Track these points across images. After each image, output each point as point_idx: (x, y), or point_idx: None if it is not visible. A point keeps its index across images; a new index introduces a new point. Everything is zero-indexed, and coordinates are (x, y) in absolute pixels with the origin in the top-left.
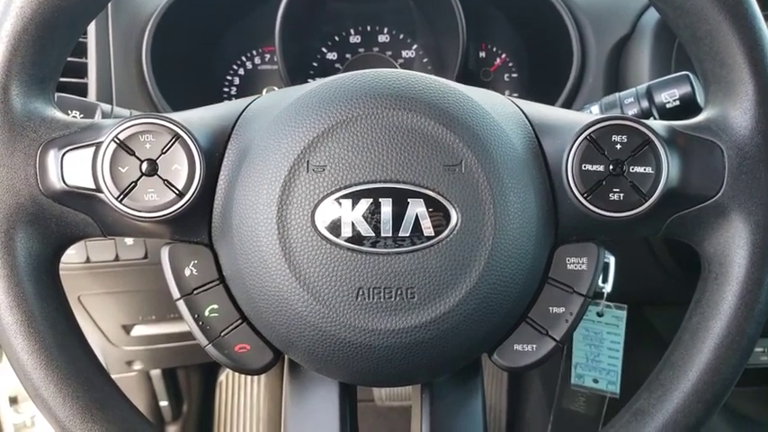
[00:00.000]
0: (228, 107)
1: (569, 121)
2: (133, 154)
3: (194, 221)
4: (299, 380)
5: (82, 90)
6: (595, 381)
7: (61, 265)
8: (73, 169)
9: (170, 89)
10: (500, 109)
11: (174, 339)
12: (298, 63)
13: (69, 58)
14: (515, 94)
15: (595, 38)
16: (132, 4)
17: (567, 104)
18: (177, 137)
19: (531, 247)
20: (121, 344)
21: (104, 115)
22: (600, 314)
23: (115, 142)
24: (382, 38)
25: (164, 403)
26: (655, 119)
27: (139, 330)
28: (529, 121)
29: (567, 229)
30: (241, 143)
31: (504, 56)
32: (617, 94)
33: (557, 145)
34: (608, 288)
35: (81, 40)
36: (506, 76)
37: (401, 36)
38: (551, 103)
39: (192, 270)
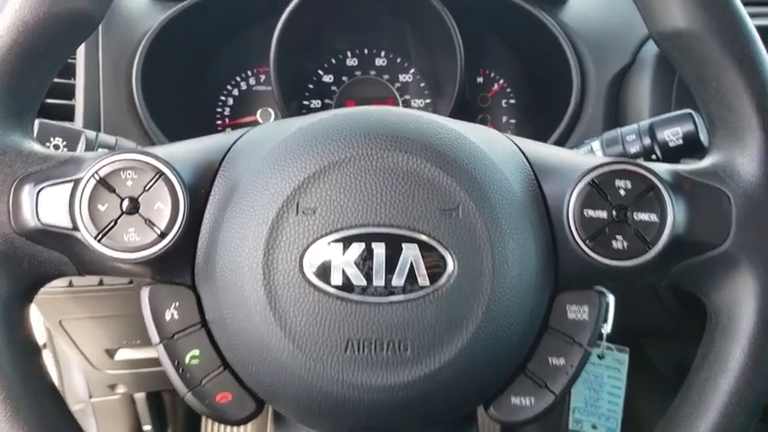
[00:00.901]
0: (216, 141)
1: (571, 163)
2: (114, 191)
3: (177, 262)
4: (284, 428)
5: (69, 112)
6: (594, 427)
7: (43, 289)
8: (49, 207)
9: (161, 112)
10: (499, 149)
11: (160, 363)
12: (293, 85)
13: (56, 80)
14: (513, 121)
15: (595, 67)
16: (123, 25)
17: (566, 134)
18: (161, 174)
19: (530, 295)
20: (104, 367)
21: (88, 143)
22: (600, 356)
23: (95, 179)
24: (379, 61)
25: (147, 427)
26: (657, 157)
27: (123, 354)
28: (529, 161)
29: (568, 276)
30: (228, 181)
31: (501, 81)
32: (618, 130)
33: (557, 188)
34: (608, 329)
35: (69, 60)
36: (504, 102)
37: (398, 60)
38: (550, 132)
39: (173, 313)
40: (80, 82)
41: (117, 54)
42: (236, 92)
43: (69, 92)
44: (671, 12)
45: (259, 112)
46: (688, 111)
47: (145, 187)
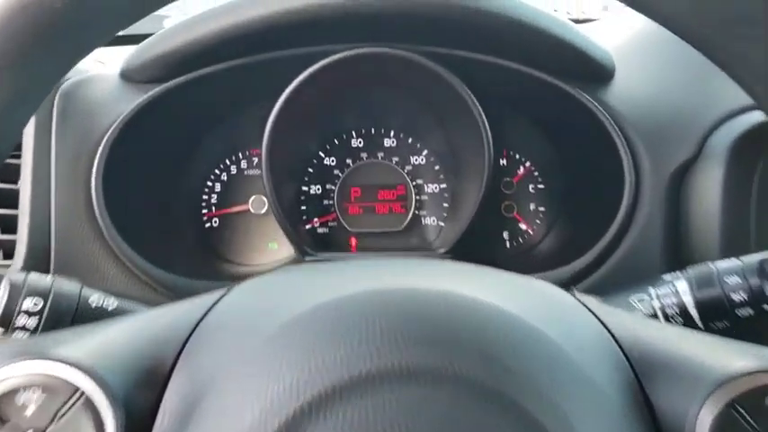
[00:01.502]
0: (173, 321)
1: (689, 359)
2: (6, 422)
3: None
4: None
5: (10, 224)
6: None
7: None
8: None
9: (128, 215)
10: (583, 339)
11: None
12: (289, 168)
13: None
14: (542, 209)
15: (651, 159)
16: (85, 112)
17: (617, 239)
18: (80, 395)
19: None
20: None
21: (13, 288)
22: None
23: None
24: (388, 142)
25: None
26: None
27: None
28: (626, 355)
29: None
30: (184, 398)
31: (528, 164)
32: (713, 267)
33: (674, 401)
34: None
35: (11, 161)
36: (531, 187)
37: (409, 140)
38: (591, 225)
39: None
40: (26, 188)
41: (75, 148)
42: (224, 176)
43: (12, 198)
44: None
45: (251, 200)
46: None
47: (56, 415)
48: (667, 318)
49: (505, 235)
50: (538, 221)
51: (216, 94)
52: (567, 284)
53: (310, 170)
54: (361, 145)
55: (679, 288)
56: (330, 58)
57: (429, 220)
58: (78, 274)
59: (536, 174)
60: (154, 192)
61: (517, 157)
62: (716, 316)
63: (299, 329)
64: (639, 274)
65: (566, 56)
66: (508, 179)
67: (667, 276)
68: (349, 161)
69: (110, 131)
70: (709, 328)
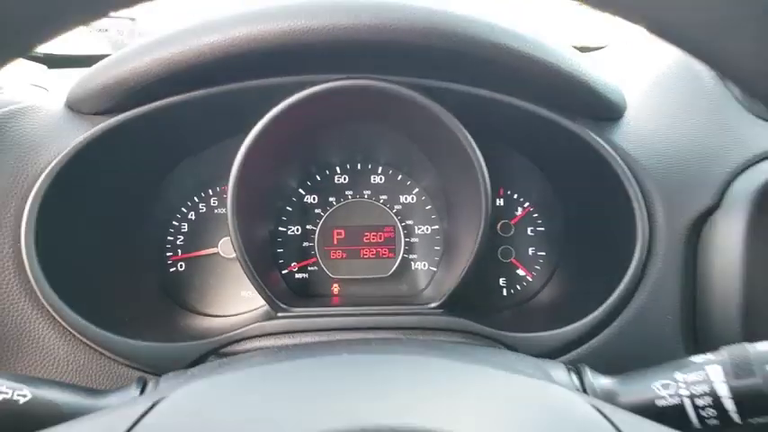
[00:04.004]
0: None
1: None
2: None
3: None
4: None
5: None
6: None
7: None
8: None
9: (68, 266)
10: None
11: None
12: (264, 207)
13: None
14: (542, 253)
15: (666, 208)
16: (17, 149)
17: (629, 296)
18: None
19: None
20: None
21: None
22: None
23: None
24: (375, 178)
25: None
26: None
27: None
28: None
29: None
30: None
31: (527, 205)
32: (751, 351)
33: None
34: None
35: None
36: (530, 230)
37: (399, 177)
38: (597, 273)
39: None
40: None
41: (4, 189)
42: (192, 216)
43: None
44: None
45: (221, 242)
46: None
47: None
48: (697, 409)
49: (502, 282)
50: (538, 267)
51: (179, 126)
52: (571, 346)
53: (289, 209)
54: (345, 182)
55: (711, 375)
56: (308, 91)
57: (420, 265)
58: (9, 340)
59: (535, 215)
60: (106, 236)
61: (515, 197)
62: (756, 410)
63: None
64: (650, 338)
65: (572, 92)
66: (505, 221)
67: (697, 358)
68: (332, 199)
69: (48, 169)
70: (748, 424)
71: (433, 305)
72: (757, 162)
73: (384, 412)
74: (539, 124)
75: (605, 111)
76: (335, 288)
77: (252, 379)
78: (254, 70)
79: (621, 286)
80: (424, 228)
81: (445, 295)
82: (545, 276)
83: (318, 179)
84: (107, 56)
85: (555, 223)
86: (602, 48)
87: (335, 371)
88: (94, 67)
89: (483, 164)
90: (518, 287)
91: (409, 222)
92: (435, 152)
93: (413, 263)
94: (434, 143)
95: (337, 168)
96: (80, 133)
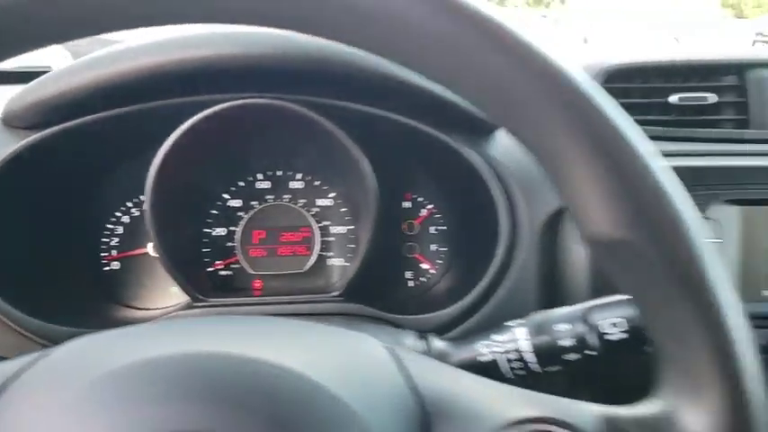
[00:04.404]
0: None
1: (474, 406)
2: None
3: None
4: None
5: None
6: None
7: None
8: None
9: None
10: (375, 391)
11: None
12: (188, 211)
13: None
14: (444, 249)
15: (528, 207)
16: None
17: (496, 284)
18: None
19: None
20: None
21: None
22: None
23: None
24: (295, 184)
25: None
26: (594, 351)
27: None
28: (419, 400)
29: None
30: None
31: (431, 207)
32: (549, 315)
33: None
34: None
35: None
36: (434, 229)
37: (316, 183)
38: (483, 268)
39: None
40: None
41: None
42: (126, 219)
43: None
44: (609, 216)
45: (150, 245)
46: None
47: None
48: (509, 362)
49: (408, 275)
50: (440, 261)
51: (108, 139)
52: (450, 325)
53: (215, 212)
54: (267, 187)
55: (517, 335)
56: (208, 111)
57: (335, 261)
58: None
59: (438, 216)
60: (42, 236)
61: (420, 200)
62: (549, 361)
63: (91, 394)
64: (519, 316)
65: (446, 111)
66: (411, 221)
67: (511, 323)
68: (254, 203)
69: None
70: (546, 372)
71: (334, 294)
72: None
73: (215, 347)
74: (424, 138)
75: (478, 127)
76: (257, 284)
77: (129, 336)
78: (172, 91)
79: (490, 272)
80: (339, 228)
81: (344, 286)
82: (445, 268)
83: (243, 185)
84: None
85: (453, 222)
86: None
87: (197, 327)
88: (32, 83)
89: (369, 170)
90: (423, 279)
91: (326, 223)
92: (337, 162)
93: (328, 260)
94: (335, 154)
95: (259, 175)
96: (11, 146)
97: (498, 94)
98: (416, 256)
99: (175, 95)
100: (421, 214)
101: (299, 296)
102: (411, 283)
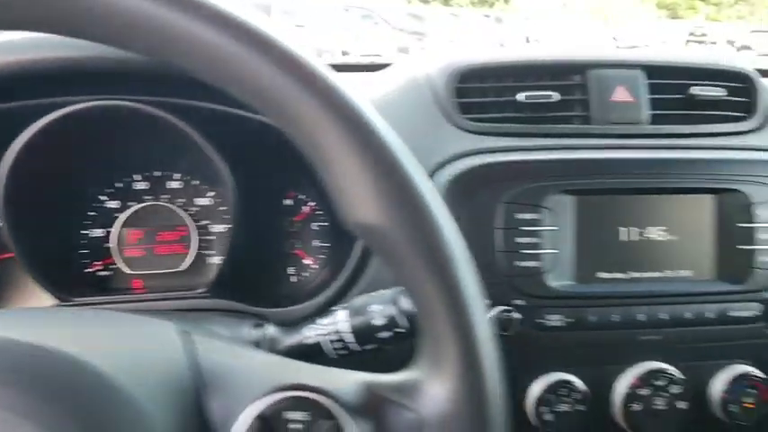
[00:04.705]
0: None
1: (243, 377)
2: None
3: None
4: None
5: None
6: None
7: None
8: None
9: None
10: (148, 368)
11: None
12: (64, 212)
13: None
14: (327, 244)
15: None
16: None
17: (357, 274)
18: None
19: None
20: None
21: None
22: None
23: None
24: (173, 184)
25: None
26: (402, 329)
27: None
28: (200, 375)
29: None
30: None
31: (313, 204)
32: (367, 300)
33: (226, 411)
34: None
35: None
36: (316, 225)
37: (195, 182)
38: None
39: None
40: None
41: None
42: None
43: None
44: (365, 205)
45: None
46: None
47: None
48: (332, 343)
49: (291, 270)
50: (321, 256)
51: None
52: (317, 314)
53: (92, 213)
54: (146, 187)
55: (338, 317)
56: (55, 113)
57: (216, 260)
58: None
59: (320, 213)
60: None
61: (302, 197)
62: (366, 340)
63: None
64: None
65: None
66: (290, 218)
67: (335, 308)
68: (132, 204)
69: None
70: (365, 350)
71: (199, 290)
72: (452, 161)
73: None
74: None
75: None
76: (137, 283)
77: None
78: (27, 92)
79: (351, 262)
80: (219, 227)
81: (208, 283)
82: (326, 263)
83: (120, 186)
84: None
85: (335, 218)
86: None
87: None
88: None
89: (224, 169)
90: (305, 274)
91: (205, 222)
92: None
93: (208, 258)
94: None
95: (137, 176)
96: None
97: (263, 97)
98: (298, 252)
99: (29, 97)
100: (302, 211)
101: (169, 293)
102: (294, 279)
